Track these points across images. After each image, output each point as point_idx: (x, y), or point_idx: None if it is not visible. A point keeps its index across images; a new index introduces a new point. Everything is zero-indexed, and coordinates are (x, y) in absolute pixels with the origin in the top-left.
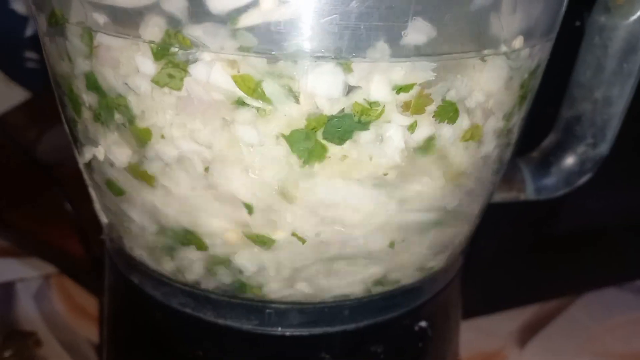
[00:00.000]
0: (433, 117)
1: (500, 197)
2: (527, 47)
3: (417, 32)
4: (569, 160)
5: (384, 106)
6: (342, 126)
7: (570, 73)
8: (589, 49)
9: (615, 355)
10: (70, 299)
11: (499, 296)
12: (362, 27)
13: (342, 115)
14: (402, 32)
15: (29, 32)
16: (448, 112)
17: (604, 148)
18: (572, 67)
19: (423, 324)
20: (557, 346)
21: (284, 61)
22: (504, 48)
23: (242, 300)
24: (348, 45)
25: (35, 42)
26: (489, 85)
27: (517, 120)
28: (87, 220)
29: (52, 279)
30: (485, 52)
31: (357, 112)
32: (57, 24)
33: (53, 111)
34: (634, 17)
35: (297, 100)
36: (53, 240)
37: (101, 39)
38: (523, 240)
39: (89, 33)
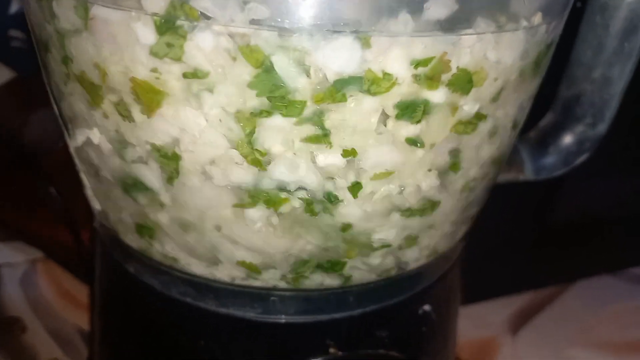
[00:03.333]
0: (446, 85)
1: (500, 177)
2: (544, 23)
3: (440, 5)
4: (567, 140)
5: (396, 79)
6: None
7: (567, 54)
8: (590, 28)
9: (608, 343)
10: (57, 284)
11: (492, 284)
12: None
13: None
14: (425, 5)
15: (13, 9)
16: (462, 81)
17: (602, 128)
18: (570, 49)
19: (427, 307)
20: (549, 334)
21: (298, 35)
22: (524, 23)
23: (245, 288)
24: (369, 17)
25: (20, 20)
26: (505, 60)
27: (529, 98)
28: (75, 206)
29: (39, 264)
30: (506, 27)
31: (368, 80)
32: None
33: (40, 92)
34: None
35: (308, 76)
36: (40, 228)
37: (97, 11)
38: (517, 228)
39: (84, 5)
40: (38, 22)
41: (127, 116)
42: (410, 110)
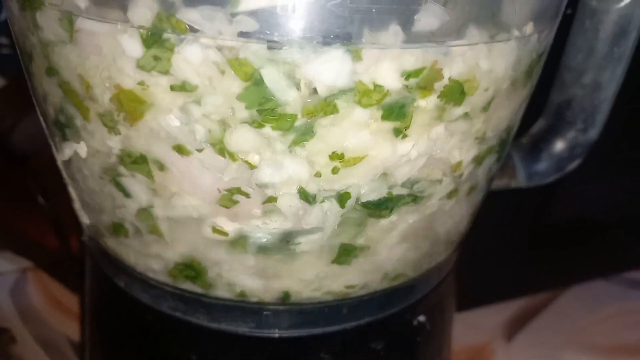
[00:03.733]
0: (438, 97)
1: (493, 184)
2: (536, 32)
3: (431, 16)
4: (559, 146)
5: (387, 92)
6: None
7: (557, 60)
8: (580, 33)
9: (603, 348)
10: (48, 293)
11: (486, 290)
12: (374, 10)
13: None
14: (415, 16)
15: (3, 16)
16: (455, 92)
17: (593, 133)
18: (560, 55)
19: (422, 318)
20: (544, 339)
21: (288, 47)
22: (516, 33)
23: (237, 303)
24: (359, 30)
25: (8, 27)
26: (497, 69)
27: (520, 106)
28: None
29: (29, 273)
30: (498, 37)
31: (359, 92)
32: (32, 8)
33: (30, 98)
34: (626, 0)
35: (298, 89)
36: (29, 234)
37: (82, 24)
38: (511, 234)
39: (69, 17)
40: (22, 33)
41: (112, 127)
42: (396, 113)
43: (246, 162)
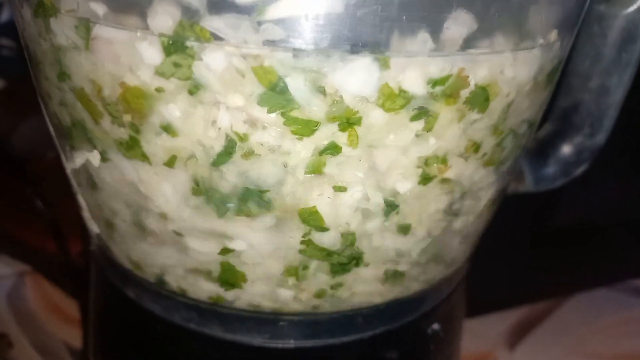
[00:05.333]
0: (464, 103)
1: None
2: (559, 39)
3: (460, 24)
4: (566, 150)
5: (412, 97)
6: None
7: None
8: (587, 38)
9: (606, 357)
10: (45, 298)
11: (488, 298)
12: (404, 17)
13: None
14: (445, 24)
15: (3, 17)
16: (479, 99)
17: (601, 138)
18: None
19: (436, 326)
20: (547, 348)
21: (315, 56)
22: (540, 41)
23: (252, 313)
24: (387, 38)
25: (10, 28)
26: (520, 76)
27: (538, 113)
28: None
29: (27, 277)
30: (523, 45)
31: (384, 95)
32: (46, 15)
33: (30, 101)
34: (634, 6)
35: (324, 97)
36: (28, 239)
37: (100, 31)
38: (512, 241)
39: (86, 25)
40: (33, 39)
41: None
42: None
43: None
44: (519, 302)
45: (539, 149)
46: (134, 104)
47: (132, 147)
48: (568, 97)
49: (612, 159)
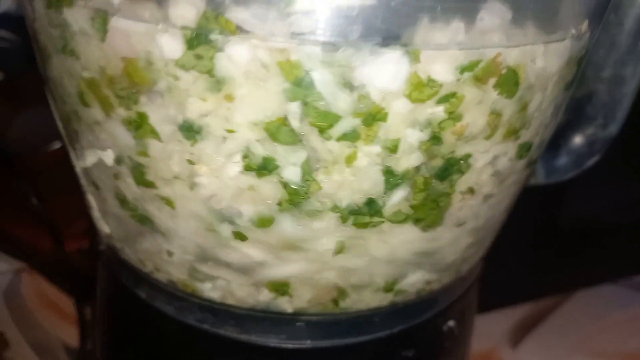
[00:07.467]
0: (493, 86)
1: None
2: (589, 30)
3: (494, 14)
4: (578, 141)
5: (441, 86)
6: None
7: None
8: (603, 27)
9: (610, 354)
10: (42, 295)
11: (492, 295)
12: (439, 8)
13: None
14: (478, 15)
15: (0, 8)
16: (510, 82)
17: (613, 128)
18: None
19: (451, 323)
20: (551, 345)
21: (344, 49)
22: (572, 31)
23: (268, 313)
24: (419, 30)
25: (7, 20)
26: (550, 67)
27: (563, 105)
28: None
29: (23, 274)
30: (555, 36)
31: (412, 85)
32: (59, 5)
33: (26, 93)
34: None
35: (350, 92)
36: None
37: (117, 23)
38: (517, 238)
39: (102, 16)
40: (44, 31)
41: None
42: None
43: None
44: (523, 300)
45: (551, 140)
46: (137, 77)
47: (140, 125)
48: (581, 87)
49: (620, 157)
